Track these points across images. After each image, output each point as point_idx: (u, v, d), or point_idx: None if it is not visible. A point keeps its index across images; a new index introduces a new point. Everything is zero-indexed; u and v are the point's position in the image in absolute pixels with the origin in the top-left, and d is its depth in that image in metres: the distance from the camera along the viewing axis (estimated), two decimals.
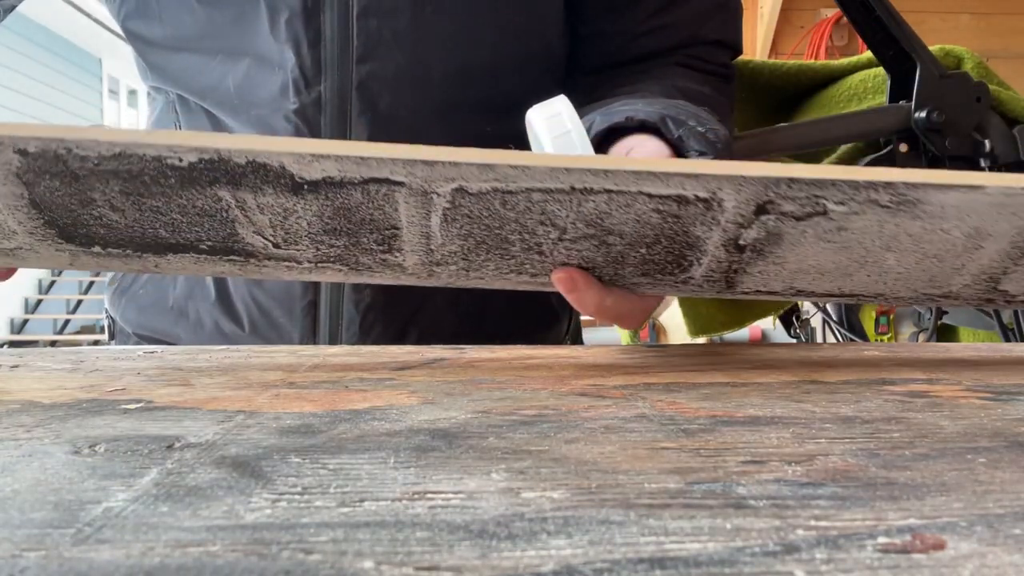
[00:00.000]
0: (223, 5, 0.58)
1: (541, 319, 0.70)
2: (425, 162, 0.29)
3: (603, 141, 0.49)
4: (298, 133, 0.58)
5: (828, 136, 1.03)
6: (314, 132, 0.59)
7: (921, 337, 1.32)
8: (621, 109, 0.49)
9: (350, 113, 0.59)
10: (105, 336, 0.75)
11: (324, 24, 0.56)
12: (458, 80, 0.60)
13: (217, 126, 0.62)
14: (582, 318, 0.80)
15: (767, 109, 1.27)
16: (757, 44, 2.95)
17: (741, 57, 0.77)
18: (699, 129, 0.46)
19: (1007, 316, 1.04)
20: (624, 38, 0.65)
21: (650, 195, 0.31)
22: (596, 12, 0.65)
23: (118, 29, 0.65)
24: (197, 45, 0.61)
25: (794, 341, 1.44)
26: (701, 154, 0.44)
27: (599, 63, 0.66)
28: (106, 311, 0.74)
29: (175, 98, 0.64)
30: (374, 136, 0.59)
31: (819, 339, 1.72)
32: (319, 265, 0.38)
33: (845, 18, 1.03)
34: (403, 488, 0.20)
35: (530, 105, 0.49)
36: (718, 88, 0.64)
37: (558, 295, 0.74)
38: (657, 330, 2.78)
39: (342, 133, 0.59)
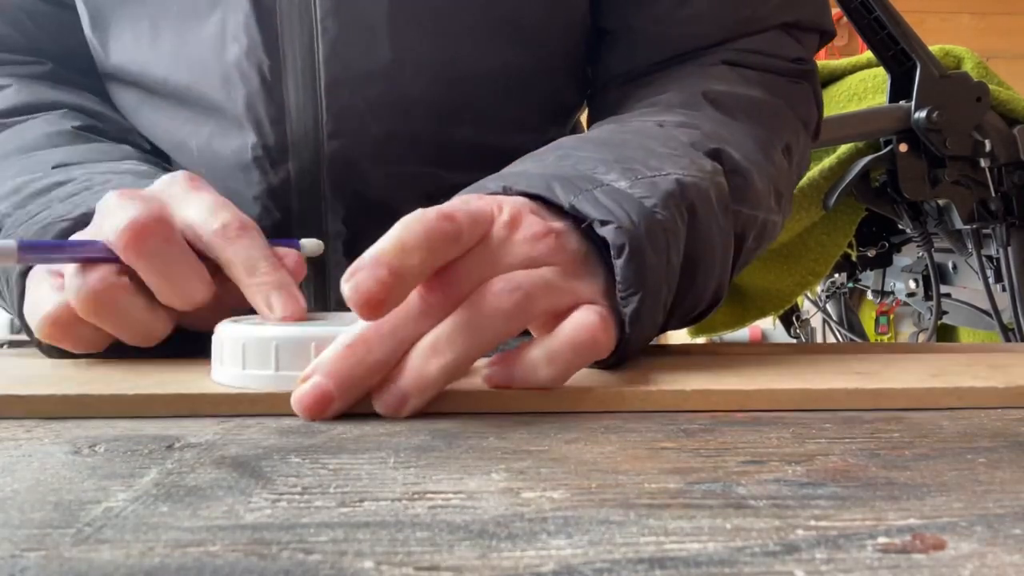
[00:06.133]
0: (179, 67, 0.52)
1: None
2: None
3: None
4: (268, 214, 0.53)
5: (828, 136, 1.03)
6: (285, 213, 0.53)
7: (921, 337, 1.32)
8: (512, 171, 0.38)
9: (324, 191, 0.52)
10: None
11: (287, 98, 0.50)
12: (447, 144, 0.53)
13: None
14: None
15: None
16: None
17: None
18: (597, 194, 0.34)
19: (1007, 316, 1.04)
20: (654, 33, 0.55)
21: None
22: (620, 2, 0.55)
23: None
24: (160, 92, 0.54)
25: (794, 341, 1.44)
26: (603, 223, 0.33)
27: (629, 67, 0.56)
28: None
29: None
30: (352, 212, 0.53)
31: (819, 339, 1.72)
32: None
33: (845, 18, 1.02)
34: (403, 488, 0.20)
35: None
36: (775, 89, 0.53)
37: None
38: None
39: (316, 213, 0.53)
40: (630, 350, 0.34)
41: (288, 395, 0.29)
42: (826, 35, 0.58)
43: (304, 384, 0.28)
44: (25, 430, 0.27)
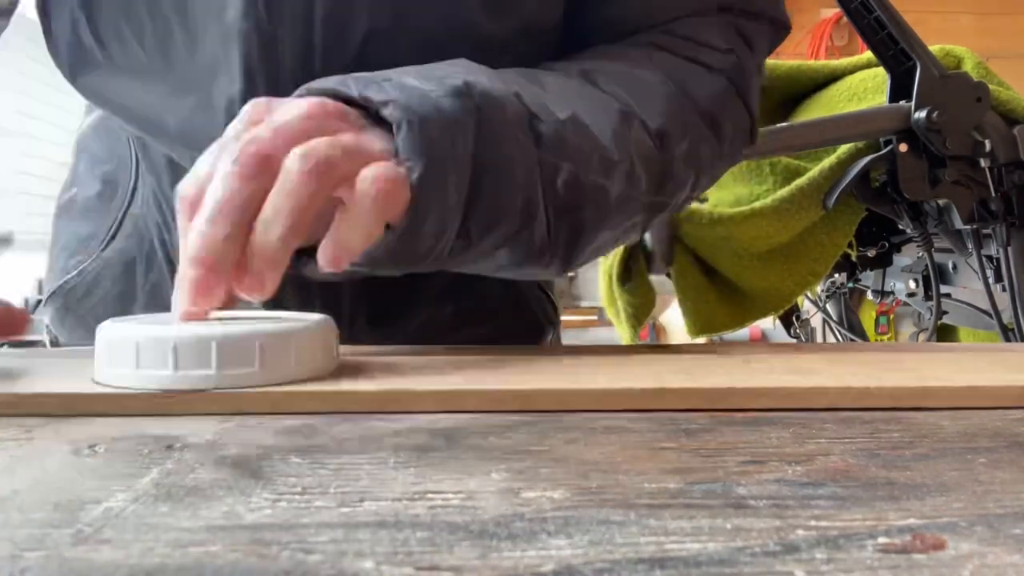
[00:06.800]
0: (160, 34, 0.49)
1: (525, 336, 0.65)
2: None
3: None
4: None
5: (828, 136, 1.03)
6: None
7: (921, 337, 1.32)
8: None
9: None
10: None
11: (282, 70, 0.47)
12: None
13: (175, 174, 0.54)
14: (564, 317, 0.75)
15: (767, 109, 1.27)
16: None
17: None
18: (385, 86, 0.38)
19: (1007, 316, 1.04)
20: (600, 17, 0.54)
21: None
22: None
23: None
24: (134, 69, 0.51)
25: (794, 341, 1.44)
26: (384, 105, 0.37)
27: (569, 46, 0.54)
28: (47, 327, 0.66)
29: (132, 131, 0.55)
30: None
31: (819, 339, 1.72)
32: None
33: (845, 18, 1.02)
34: (403, 488, 0.20)
35: None
36: (682, 78, 0.51)
37: (542, 307, 0.71)
38: (657, 330, 2.78)
39: None
40: (419, 219, 0.37)
41: (276, 394, 0.30)
42: (779, 26, 0.56)
43: (182, 290, 0.32)
44: (25, 430, 0.27)
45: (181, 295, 0.33)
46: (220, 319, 0.33)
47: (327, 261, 0.34)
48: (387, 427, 0.27)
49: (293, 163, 0.33)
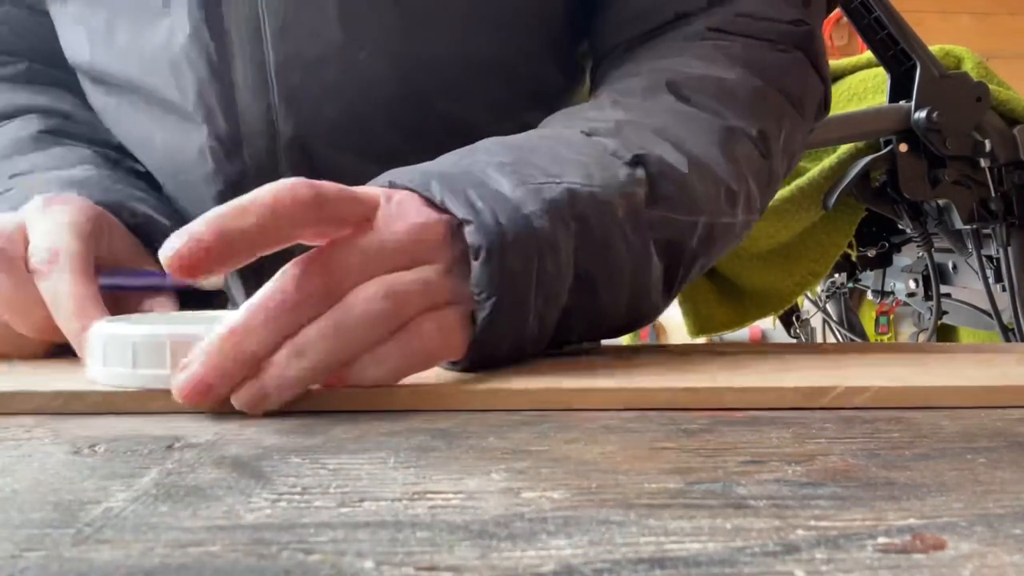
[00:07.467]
0: (131, 63, 0.51)
1: None
2: None
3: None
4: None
5: (828, 136, 1.03)
6: None
7: (921, 337, 1.32)
8: (406, 167, 0.36)
9: (283, 175, 0.50)
10: None
11: (237, 84, 0.49)
12: (412, 129, 0.51)
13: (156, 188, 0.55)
14: None
15: None
16: None
17: None
18: (470, 194, 0.33)
19: (1007, 316, 1.04)
20: (637, 3, 0.51)
21: None
22: None
23: None
24: (120, 89, 0.53)
25: (794, 341, 1.44)
26: (466, 223, 0.32)
27: (616, 42, 0.52)
28: None
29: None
30: None
31: (819, 339, 1.71)
32: None
33: (845, 18, 1.02)
34: (403, 488, 0.20)
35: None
36: (758, 63, 0.48)
37: None
38: (657, 330, 2.77)
39: None
40: (486, 354, 0.33)
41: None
42: None
43: (182, 373, 0.28)
44: (25, 430, 0.27)
45: (177, 385, 0.28)
46: (213, 317, 0.33)
47: (326, 381, 0.30)
48: (387, 427, 0.27)
49: (362, 305, 0.30)
